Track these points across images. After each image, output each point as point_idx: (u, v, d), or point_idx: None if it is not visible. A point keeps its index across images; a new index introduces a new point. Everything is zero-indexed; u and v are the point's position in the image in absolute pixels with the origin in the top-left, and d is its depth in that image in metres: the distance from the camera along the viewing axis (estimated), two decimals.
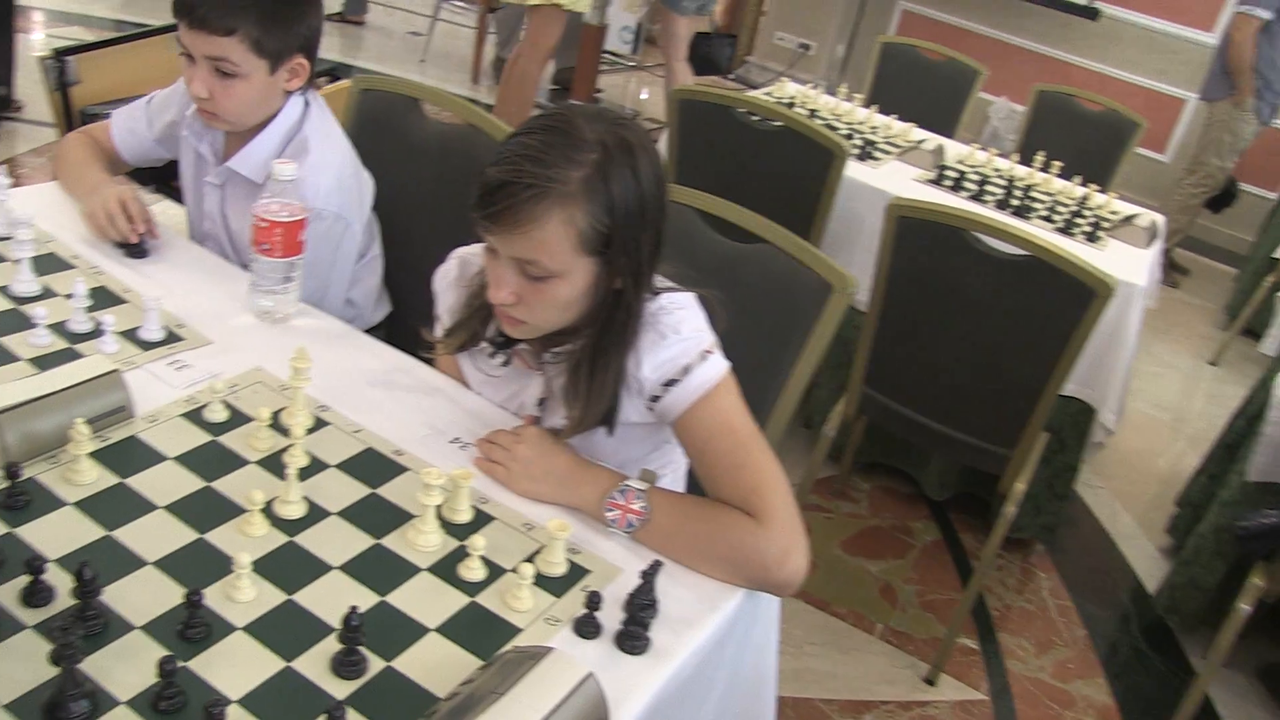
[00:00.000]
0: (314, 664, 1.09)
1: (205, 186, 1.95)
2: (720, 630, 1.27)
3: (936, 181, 3.32)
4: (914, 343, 2.57)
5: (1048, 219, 3.21)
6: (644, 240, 1.33)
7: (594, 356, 1.38)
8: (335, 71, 3.81)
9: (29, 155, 4.35)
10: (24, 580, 1.10)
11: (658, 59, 6.33)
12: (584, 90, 4.86)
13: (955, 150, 3.71)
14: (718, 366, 1.37)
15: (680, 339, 1.36)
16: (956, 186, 3.30)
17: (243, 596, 1.15)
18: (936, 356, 2.55)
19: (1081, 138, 4.14)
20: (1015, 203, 3.24)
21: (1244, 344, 4.97)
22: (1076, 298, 2.27)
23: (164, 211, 2.02)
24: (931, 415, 2.60)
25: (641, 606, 1.17)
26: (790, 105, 3.60)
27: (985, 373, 2.49)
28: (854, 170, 3.12)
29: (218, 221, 1.96)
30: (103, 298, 1.68)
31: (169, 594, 1.14)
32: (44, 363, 1.49)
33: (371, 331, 1.86)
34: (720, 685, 1.34)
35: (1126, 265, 2.96)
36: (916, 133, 3.74)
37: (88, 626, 1.07)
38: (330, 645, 1.11)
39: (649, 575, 1.18)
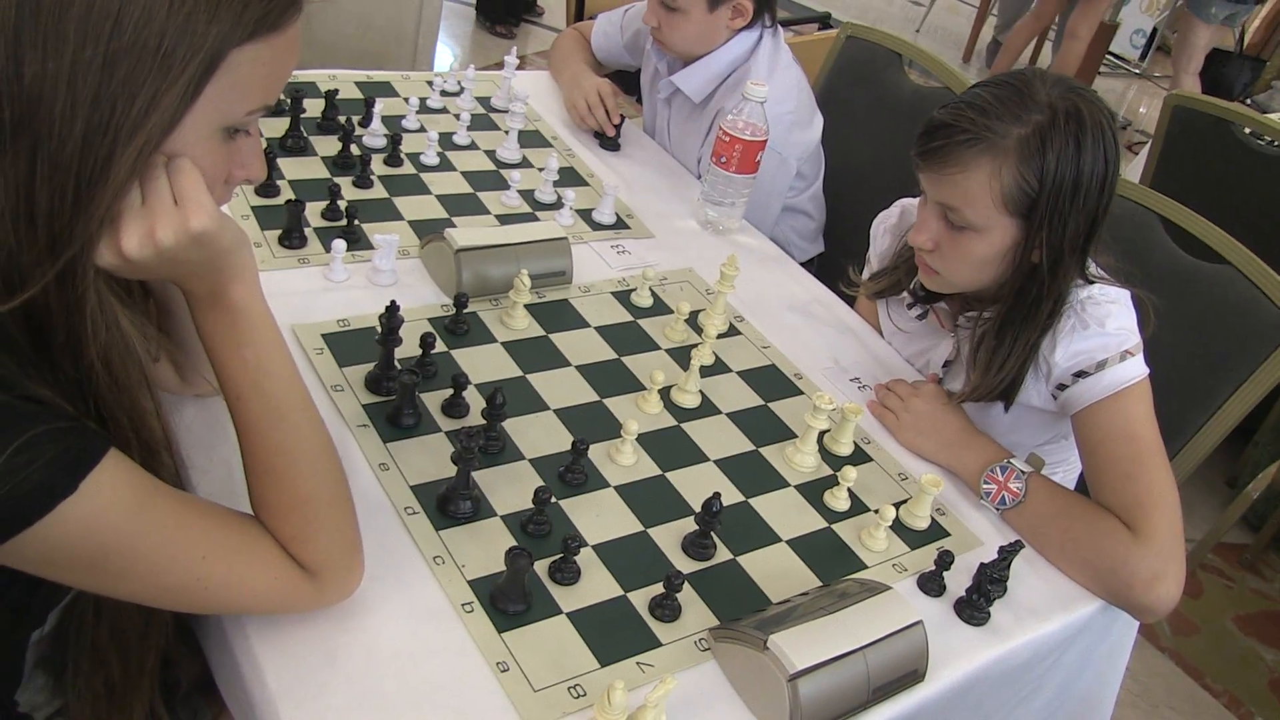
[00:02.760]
0: (668, 536, 1.16)
1: (657, 100, 2.07)
2: (1066, 633, 1.22)
3: None
4: None
5: None
6: (1073, 218, 1.27)
7: (1003, 326, 1.35)
8: (828, 19, 3.87)
9: (538, 55, 4.75)
10: (448, 392, 1.24)
11: (1165, 70, 5.91)
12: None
13: None
14: (1136, 369, 1.30)
15: (1103, 333, 1.30)
16: None
17: (623, 460, 1.24)
18: None
19: None
20: None
21: None
22: None
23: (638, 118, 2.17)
24: None
25: (991, 580, 1.14)
26: None
27: None
28: None
29: (664, 132, 2.07)
30: (569, 177, 1.84)
31: (560, 439, 1.25)
32: (508, 220, 1.66)
33: (803, 266, 1.90)
34: (1050, 690, 1.29)
35: None
36: None
37: (488, 443, 1.19)
38: (687, 525, 1.18)
39: (1008, 552, 1.15)
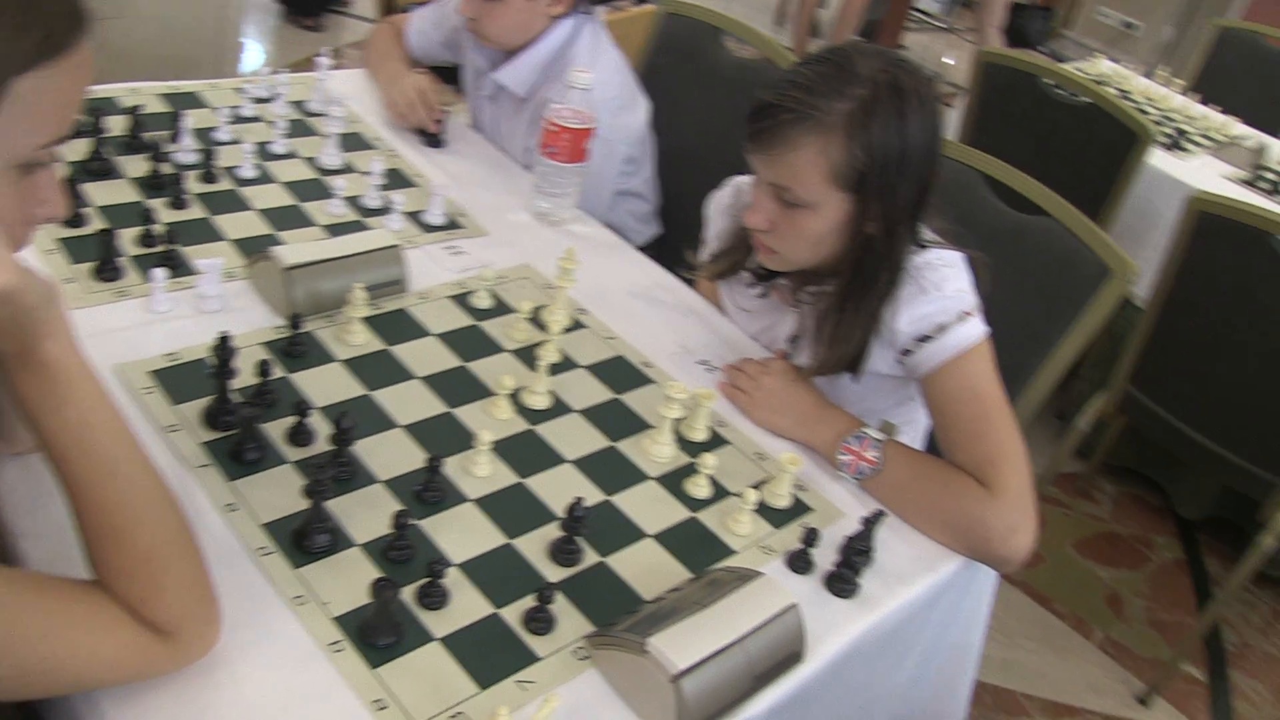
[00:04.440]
0: (533, 545, 1.14)
1: (481, 98, 2.03)
2: (932, 592, 1.25)
3: (1251, 183, 3.09)
4: (1194, 347, 2.42)
5: None
6: (903, 188, 1.30)
7: (845, 300, 1.37)
8: None
9: (351, 47, 4.63)
10: (291, 420, 1.19)
11: (970, 24, 6.11)
12: (888, 44, 4.76)
13: None
14: (976, 330, 1.33)
15: (941, 296, 1.33)
16: (1274, 190, 3.06)
17: (479, 471, 1.22)
18: (1217, 365, 2.39)
19: None
20: None
21: None
22: None
23: (461, 109, 2.12)
24: (1198, 426, 2.44)
25: (857, 552, 1.16)
26: (1101, 83, 3.42)
27: (1267, 390, 2.32)
28: (1158, 159, 2.94)
29: (490, 129, 2.04)
30: (396, 179, 1.79)
31: (413, 457, 1.21)
32: (336, 230, 1.60)
33: (641, 251, 1.89)
34: (921, 648, 1.32)
35: None
36: (1238, 128, 3.48)
37: (339, 470, 1.15)
38: (551, 531, 1.16)
39: (870, 523, 1.17)
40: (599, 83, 1.73)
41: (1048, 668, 2.53)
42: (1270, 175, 3.12)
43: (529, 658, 1.02)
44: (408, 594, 1.05)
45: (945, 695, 1.47)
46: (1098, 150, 2.82)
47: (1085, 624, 2.69)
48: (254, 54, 4.50)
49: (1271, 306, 2.24)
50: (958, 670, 1.45)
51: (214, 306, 1.37)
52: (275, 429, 1.19)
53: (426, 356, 1.39)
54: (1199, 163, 3.16)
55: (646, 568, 1.16)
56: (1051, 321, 1.70)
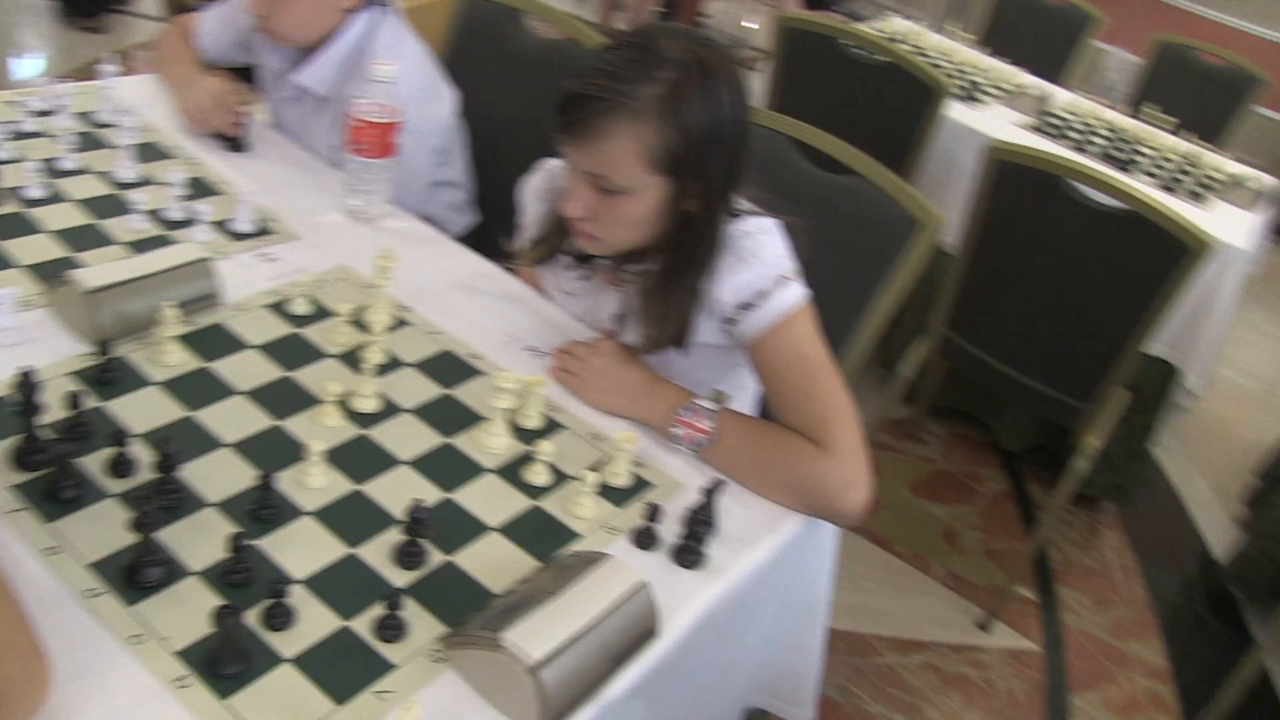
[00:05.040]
0: (377, 552, 1.13)
1: (281, 101, 1.97)
2: (777, 553, 1.28)
3: (1039, 128, 3.25)
4: (1001, 289, 2.53)
5: (1152, 174, 3.13)
6: (718, 164, 1.33)
7: (667, 277, 1.39)
8: None
9: (139, 50, 4.42)
10: (110, 452, 1.14)
11: None
12: (689, 13, 4.80)
13: (1063, 98, 3.62)
14: (796, 294, 1.37)
15: (760, 263, 1.36)
16: (1060, 135, 3.22)
17: (313, 483, 1.19)
18: (1023, 305, 2.51)
19: (1199, 93, 4.01)
20: (1119, 156, 3.16)
21: None
22: (1171, 254, 2.21)
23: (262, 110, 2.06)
24: (1012, 363, 2.57)
25: (700, 523, 1.18)
26: (896, 41, 3.53)
27: (1071, 325, 2.45)
28: (955, 111, 3.06)
29: (295, 131, 1.97)
30: (199, 188, 1.72)
31: (243, 475, 1.18)
32: (140, 247, 1.54)
33: (460, 241, 1.87)
34: (771, 607, 1.36)
35: (1229, 227, 2.88)
36: (1024, 77, 3.65)
37: (166, 499, 1.11)
38: (394, 536, 1.14)
39: (710, 493, 1.19)
40: (402, 75, 1.70)
41: (894, 607, 2.63)
42: (1054, 120, 3.28)
43: (384, 667, 1.01)
44: (252, 617, 1.02)
45: (799, 650, 1.52)
46: (898, 106, 2.92)
47: (925, 561, 2.80)
48: (29, 61, 4.25)
49: (1065, 245, 2.36)
50: (809, 624, 1.49)
51: (11, 340, 1.30)
52: (93, 462, 1.14)
53: (247, 370, 1.35)
54: (992, 113, 3.30)
55: (494, 562, 1.15)
56: (868, 277, 1.75)
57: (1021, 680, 2.54)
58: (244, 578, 1.05)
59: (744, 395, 1.60)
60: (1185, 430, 3.79)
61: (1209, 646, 2.84)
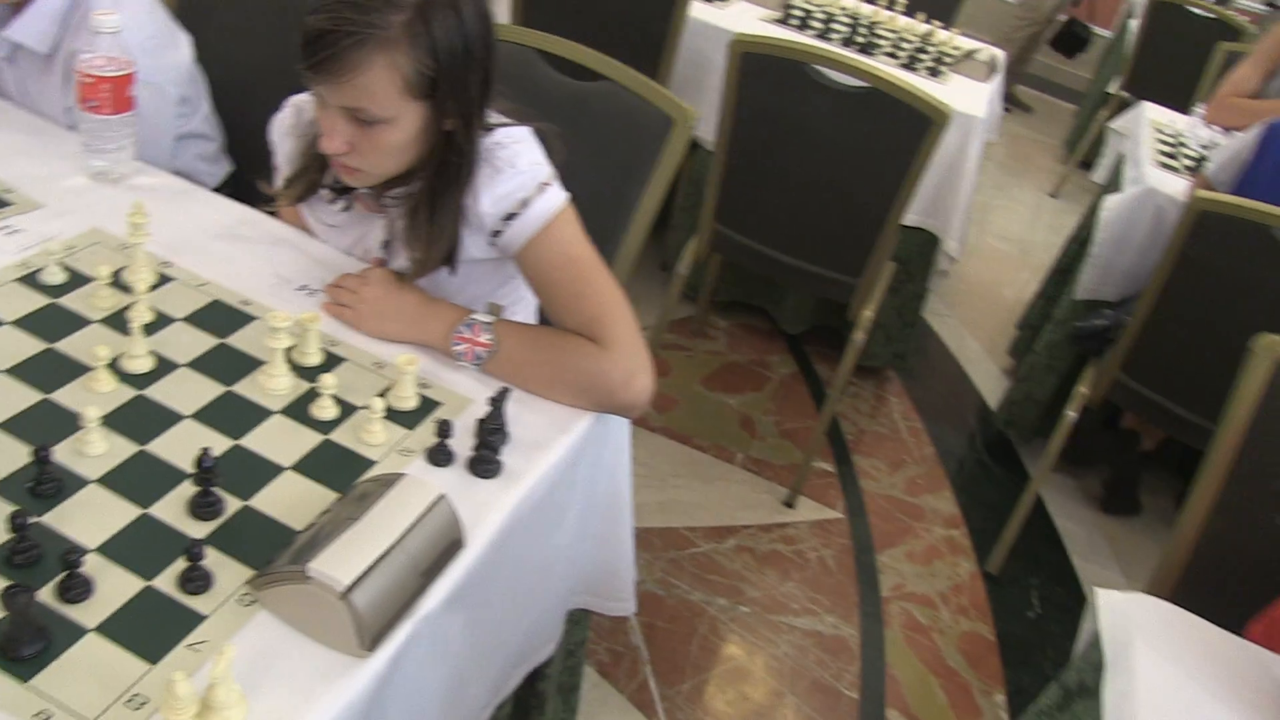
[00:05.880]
0: (171, 508, 1.11)
1: None
2: (571, 452, 1.32)
3: (783, 20, 3.34)
4: (761, 178, 2.62)
5: (892, 55, 3.26)
6: (472, 80, 1.33)
7: (432, 198, 1.39)
8: None
9: None
10: None
11: None
12: None
13: None
14: (556, 198, 1.39)
15: (517, 172, 1.38)
16: (803, 25, 3.32)
17: (93, 450, 1.16)
18: (783, 190, 2.60)
19: None
20: (860, 40, 3.28)
21: (1082, 176, 5.16)
22: (914, 127, 2.33)
23: None
24: (781, 248, 2.67)
25: (491, 432, 1.21)
26: None
27: (830, 204, 2.56)
28: (700, 11, 3.12)
29: (20, 95, 1.86)
30: None
31: (16, 454, 1.13)
32: None
33: (216, 192, 1.81)
34: (575, 507, 1.40)
35: (966, 98, 3.04)
36: None
37: None
38: (186, 490, 1.13)
39: (497, 402, 1.22)
40: (129, 23, 1.62)
41: (702, 498, 2.72)
42: (798, 11, 3.38)
43: (194, 619, 1.00)
44: (46, 594, 0.99)
45: (611, 544, 1.57)
46: (643, 11, 2.96)
47: (726, 450, 2.91)
48: None
49: (817, 129, 2.46)
50: (615, 517, 1.54)
51: None
52: None
53: (5, 347, 1.28)
54: (737, 9, 3.37)
55: (292, 500, 1.15)
56: (630, 178, 1.79)
57: (830, 548, 2.68)
58: (28, 557, 1.02)
59: (522, 307, 1.62)
60: (953, 295, 4.03)
61: (993, 489, 3.06)
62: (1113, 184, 3.24)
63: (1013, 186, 5.25)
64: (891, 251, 2.62)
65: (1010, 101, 6.01)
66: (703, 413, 3.03)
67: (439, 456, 1.22)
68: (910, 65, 3.22)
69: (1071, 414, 2.57)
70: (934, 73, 3.21)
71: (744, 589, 2.50)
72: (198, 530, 1.09)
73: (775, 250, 2.67)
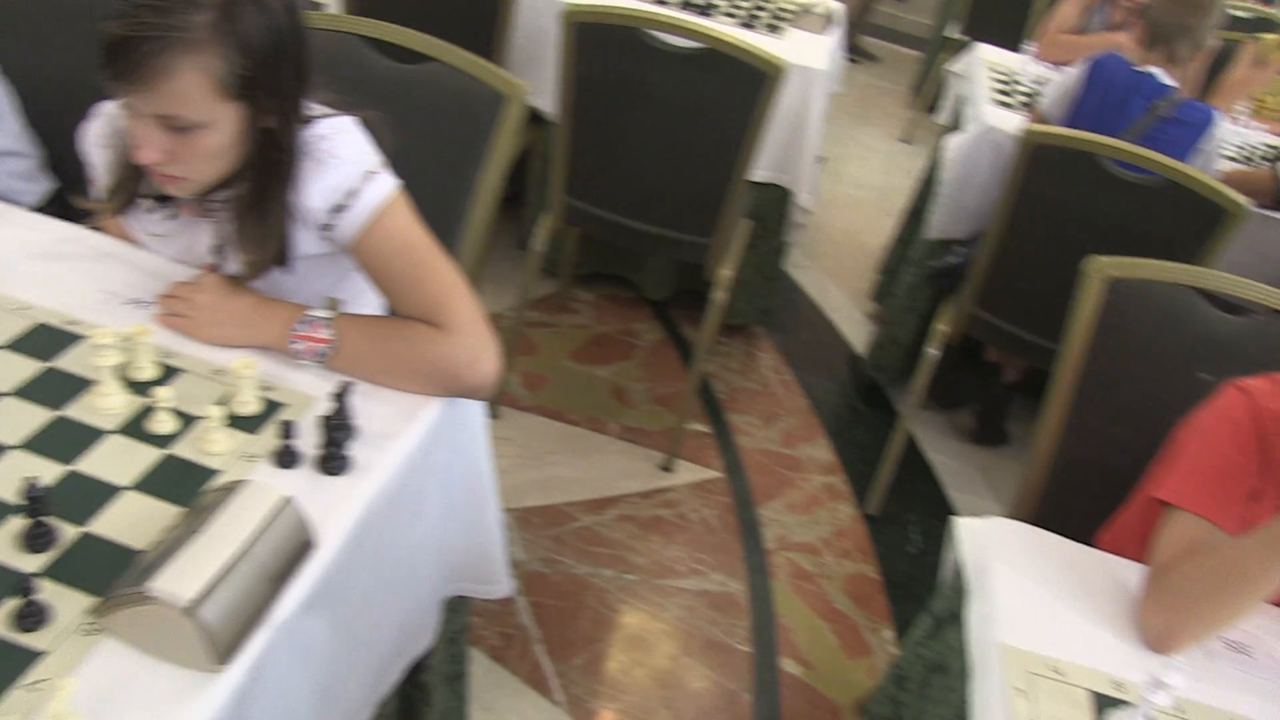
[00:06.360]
0: (1, 544, 1.07)
1: None
2: (424, 440, 1.30)
3: None
4: (606, 147, 2.61)
5: (731, 15, 3.28)
6: (286, 74, 1.29)
7: (259, 198, 1.35)
8: None
9: None
10: None
11: None
12: None
13: None
14: (385, 186, 1.36)
15: (341, 163, 1.35)
16: None
17: None
18: (629, 157, 2.60)
19: None
20: (699, 2, 3.29)
21: (930, 120, 5.26)
22: (750, 83, 2.35)
23: None
24: (632, 215, 2.67)
25: (335, 428, 1.19)
26: None
27: (677, 168, 2.57)
28: None
29: None
30: None
31: None
32: None
33: (40, 210, 1.74)
34: (434, 494, 1.38)
35: (806, 51, 3.06)
36: None
37: None
38: (16, 524, 1.08)
39: (340, 396, 1.19)
40: None
41: (579, 473, 2.72)
42: None
43: (30, 657, 0.96)
44: None
45: (478, 527, 1.55)
46: None
47: (600, 422, 2.91)
48: None
49: (656, 93, 2.46)
50: (479, 501, 1.53)
51: None
52: None
53: None
54: None
55: (134, 520, 1.11)
56: (467, 159, 1.77)
57: (712, 507, 2.70)
58: None
59: (365, 299, 1.59)
60: (815, 247, 4.08)
61: (866, 432, 3.12)
62: (955, 125, 3.31)
63: (865, 135, 5.34)
64: (744, 209, 2.64)
65: (857, 52, 6.10)
66: (574, 387, 3.03)
67: (285, 459, 1.19)
68: (749, 24, 3.24)
69: (933, 351, 2.63)
70: (773, 29, 3.23)
71: (629, 557, 2.50)
72: (31, 564, 1.05)
73: (627, 218, 2.67)
